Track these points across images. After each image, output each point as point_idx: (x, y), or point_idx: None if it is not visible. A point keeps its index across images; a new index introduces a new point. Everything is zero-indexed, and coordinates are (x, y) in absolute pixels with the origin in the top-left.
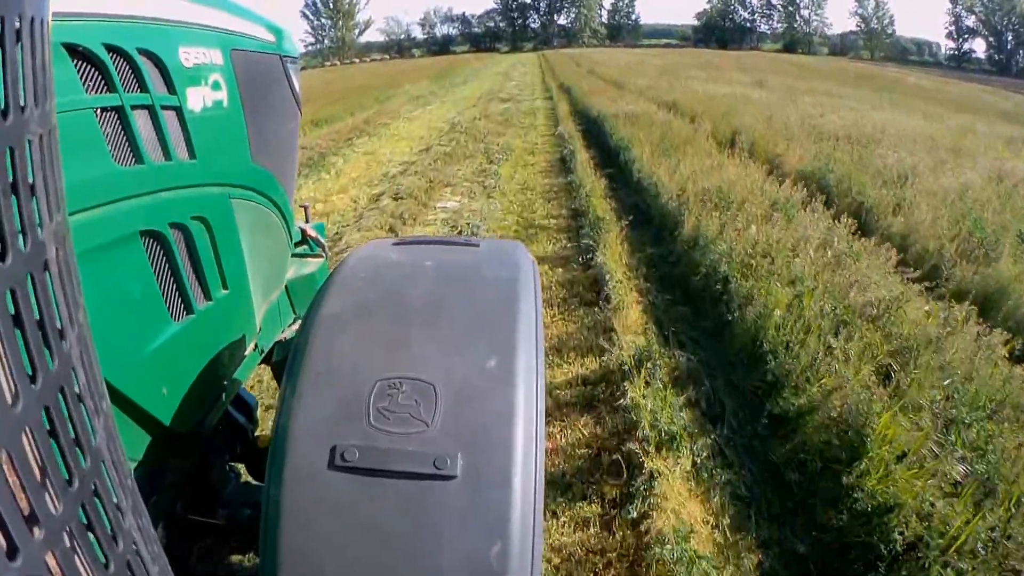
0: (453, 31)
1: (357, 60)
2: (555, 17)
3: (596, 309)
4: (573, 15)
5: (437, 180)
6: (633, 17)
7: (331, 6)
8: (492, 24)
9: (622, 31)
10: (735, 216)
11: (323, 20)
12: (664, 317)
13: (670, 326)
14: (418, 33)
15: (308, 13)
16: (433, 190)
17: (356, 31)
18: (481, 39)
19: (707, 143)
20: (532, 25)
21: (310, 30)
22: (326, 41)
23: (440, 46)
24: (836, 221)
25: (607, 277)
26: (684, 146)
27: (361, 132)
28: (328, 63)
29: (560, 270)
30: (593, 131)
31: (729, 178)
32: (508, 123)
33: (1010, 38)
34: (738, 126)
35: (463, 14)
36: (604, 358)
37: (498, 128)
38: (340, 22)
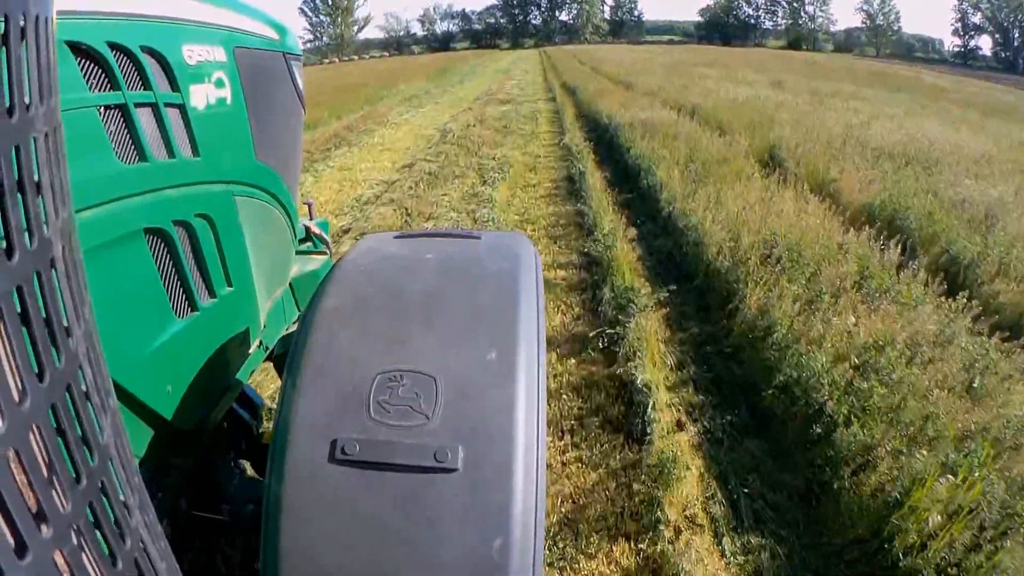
0: (453, 28)
1: (356, 57)
2: (557, 13)
3: (628, 445)
4: (575, 11)
5: (416, 210)
6: (636, 13)
7: (329, 3)
8: (493, 20)
9: (624, 27)
10: (812, 283)
11: (322, 17)
12: (728, 460)
13: (739, 479)
14: (418, 30)
15: (307, 10)
16: (409, 226)
17: (355, 28)
18: (482, 36)
19: (747, 164)
20: (533, 21)
21: (308, 27)
22: (325, 38)
23: (440, 43)
24: (951, 299)
25: (647, 403)
26: (719, 167)
27: (341, 141)
28: (327, 60)
29: (572, 361)
30: (604, 141)
31: (788, 217)
32: (507, 130)
33: (1017, 35)
34: (775, 140)
35: (463, 11)
36: (644, 545)
37: (495, 137)
38: (339, 19)
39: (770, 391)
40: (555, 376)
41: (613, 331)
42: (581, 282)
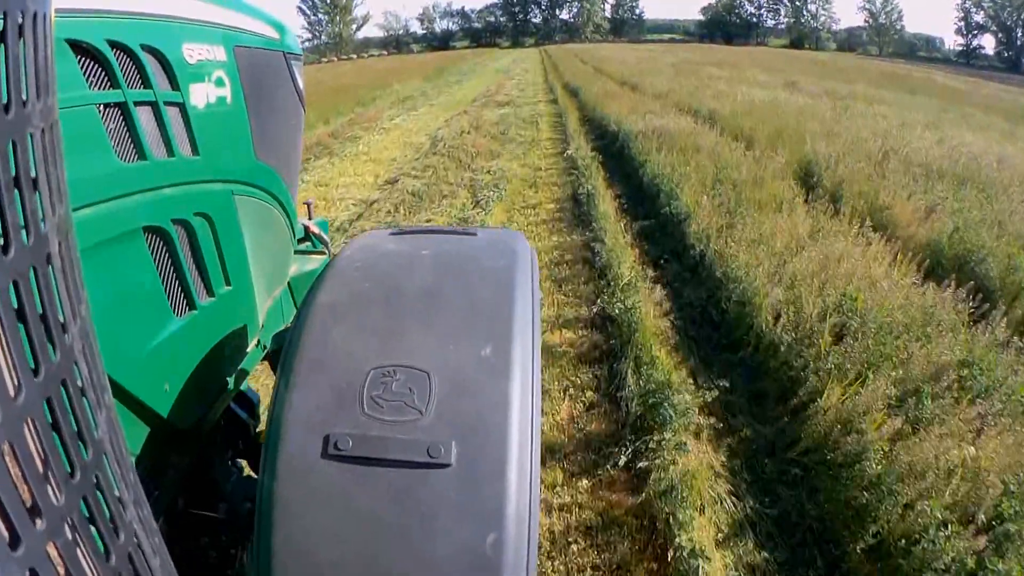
0: (453, 26)
1: (355, 56)
2: (557, 12)
3: None
4: (575, 9)
5: None
6: (637, 12)
7: (328, 1)
8: (492, 19)
9: (625, 26)
10: (904, 371)
11: (320, 15)
12: None
13: None
14: (417, 28)
15: (305, 8)
16: None
17: (354, 27)
18: (481, 34)
19: (784, 186)
20: (534, 20)
21: (307, 25)
22: (323, 37)
23: (440, 41)
24: None
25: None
26: (752, 190)
27: (323, 150)
28: (325, 59)
29: (584, 484)
30: (613, 152)
31: (849, 262)
32: (504, 137)
33: (1020, 34)
34: (810, 155)
35: (462, 9)
36: None
37: (491, 145)
38: (337, 17)
39: (858, 547)
40: (561, 510)
41: (640, 442)
42: (594, 348)
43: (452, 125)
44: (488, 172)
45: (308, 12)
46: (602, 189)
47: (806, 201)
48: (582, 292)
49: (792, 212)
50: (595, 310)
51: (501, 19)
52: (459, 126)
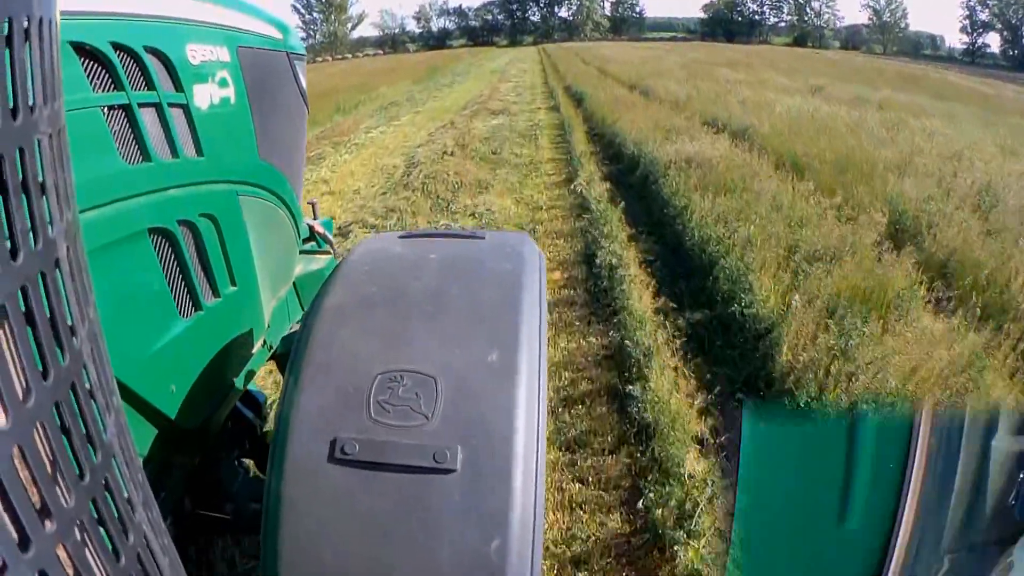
0: (450, 25)
1: (350, 56)
2: (556, 9)
3: None
4: (574, 7)
5: None
6: (638, 10)
7: (323, 0)
8: (490, 17)
9: (626, 24)
10: None
11: (315, 14)
12: None
13: None
14: (414, 27)
15: (299, 7)
16: None
17: (349, 25)
18: (479, 33)
19: (898, 272)
20: (532, 18)
21: (301, 25)
22: (318, 36)
23: (437, 40)
24: None
25: None
26: (848, 268)
27: None
28: (320, 59)
29: None
30: (633, 186)
31: None
32: (496, 158)
33: None
34: (897, 203)
35: (459, 7)
36: None
37: (479, 172)
38: (332, 16)
39: None
40: None
41: None
42: None
43: (435, 141)
44: (472, 215)
45: (303, 11)
46: (628, 255)
47: (928, 289)
48: (610, 471)
49: (904, 311)
50: (637, 522)
51: (499, 17)
52: (442, 144)
